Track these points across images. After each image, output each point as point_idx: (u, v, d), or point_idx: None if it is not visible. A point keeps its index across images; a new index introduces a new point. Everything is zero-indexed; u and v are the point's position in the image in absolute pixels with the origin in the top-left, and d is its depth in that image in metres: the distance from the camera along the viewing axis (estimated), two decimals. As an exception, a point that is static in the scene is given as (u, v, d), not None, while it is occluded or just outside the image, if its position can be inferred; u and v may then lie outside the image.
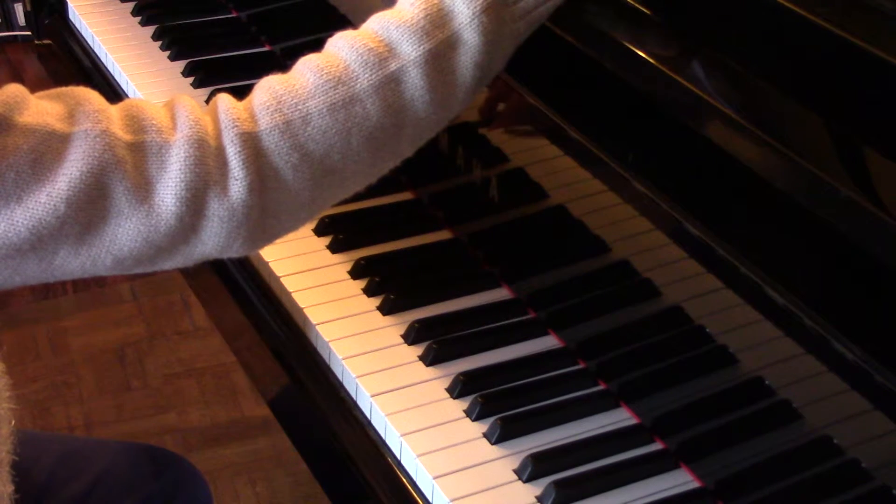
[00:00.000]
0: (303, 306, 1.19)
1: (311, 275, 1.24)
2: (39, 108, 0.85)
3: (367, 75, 0.92)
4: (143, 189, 0.86)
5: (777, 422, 0.95)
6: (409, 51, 0.93)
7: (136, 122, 0.87)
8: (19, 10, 3.40)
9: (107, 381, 2.42)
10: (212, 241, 0.90)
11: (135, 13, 1.71)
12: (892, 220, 0.79)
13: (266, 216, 0.91)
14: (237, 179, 0.88)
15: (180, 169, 0.86)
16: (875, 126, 0.86)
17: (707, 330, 1.00)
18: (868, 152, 0.86)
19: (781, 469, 0.96)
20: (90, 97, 0.88)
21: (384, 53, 0.92)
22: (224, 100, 0.92)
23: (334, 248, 1.27)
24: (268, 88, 0.92)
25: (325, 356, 1.16)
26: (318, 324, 1.17)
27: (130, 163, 0.86)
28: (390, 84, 0.92)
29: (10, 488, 1.10)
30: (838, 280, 0.87)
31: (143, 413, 2.36)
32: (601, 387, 1.11)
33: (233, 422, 2.34)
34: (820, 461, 0.92)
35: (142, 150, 0.86)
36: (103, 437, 2.13)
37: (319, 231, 1.29)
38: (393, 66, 0.92)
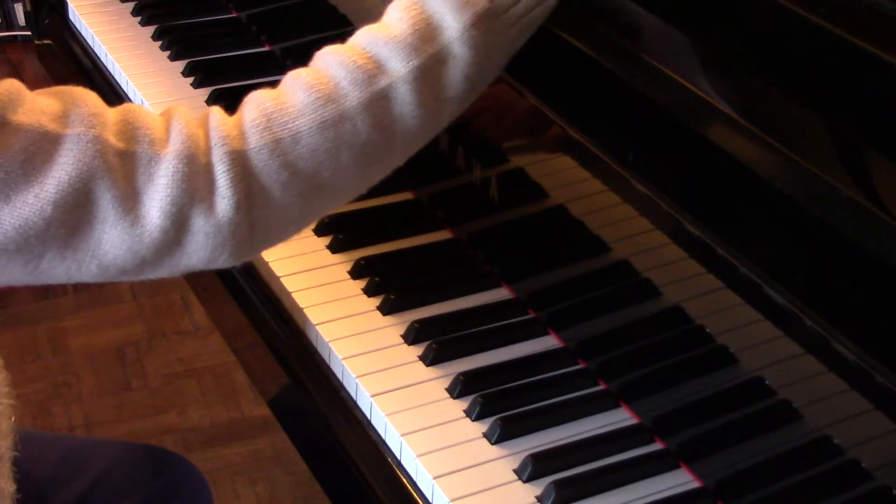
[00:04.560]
0: (303, 306, 1.19)
1: (311, 275, 1.24)
2: (34, 106, 0.85)
3: (356, 93, 0.91)
4: (130, 199, 0.85)
5: (777, 422, 0.95)
6: (398, 67, 0.92)
7: (130, 131, 0.87)
8: (19, 10, 3.40)
9: (107, 381, 2.42)
10: (197, 254, 0.89)
11: (135, 13, 1.71)
12: (892, 220, 0.79)
13: (254, 232, 0.91)
14: (224, 197, 0.88)
15: (167, 184, 0.86)
16: (875, 126, 0.86)
17: (707, 330, 1.00)
18: (868, 152, 0.86)
19: (781, 469, 0.96)
20: (87, 99, 0.88)
21: (373, 70, 0.92)
22: (215, 115, 0.91)
23: (334, 248, 1.27)
24: (257, 105, 0.91)
25: (325, 356, 1.16)
26: (318, 324, 1.17)
27: (120, 171, 0.85)
28: (380, 101, 0.92)
29: (12, 487, 1.10)
30: (838, 280, 0.87)
31: (143, 413, 2.36)
32: (601, 387, 1.11)
33: (233, 422, 2.34)
34: (820, 461, 0.92)
35: (132, 160, 0.86)
36: (103, 437, 2.13)
37: (319, 231, 1.29)
38: (382, 83, 0.92)
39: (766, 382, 0.95)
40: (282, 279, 1.23)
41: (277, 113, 0.90)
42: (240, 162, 0.88)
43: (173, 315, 2.59)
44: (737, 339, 0.98)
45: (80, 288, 2.64)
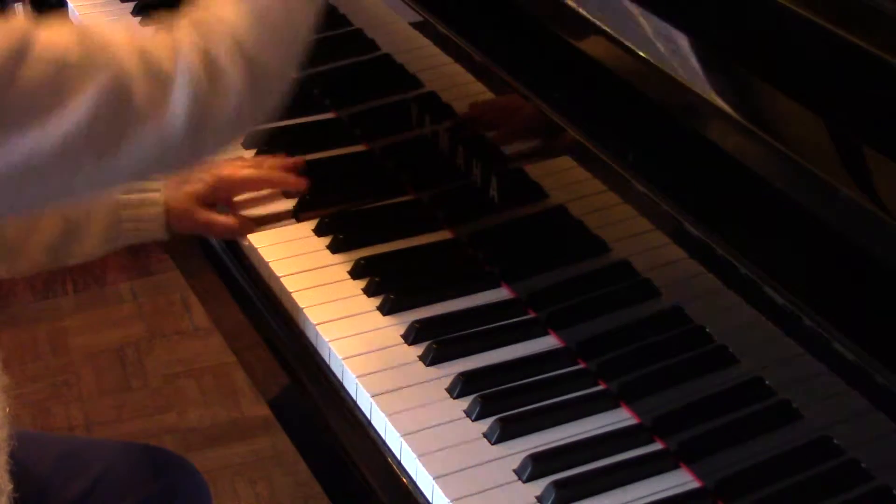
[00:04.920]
0: (303, 306, 1.19)
1: (311, 275, 1.24)
2: (51, 40, 0.88)
3: None
4: (156, 105, 0.90)
5: (777, 422, 0.95)
6: None
7: (145, 50, 0.91)
8: (19, 10, 3.41)
9: (107, 381, 2.42)
10: (217, 142, 0.95)
11: (135, 13, 1.71)
12: (891, 220, 0.79)
13: (259, 103, 0.96)
14: (232, 85, 0.92)
15: (183, 97, 0.90)
16: (875, 126, 0.86)
17: (707, 330, 1.00)
18: (868, 152, 0.86)
19: (781, 469, 0.96)
20: (99, 29, 0.92)
21: None
22: (181, 28, 0.95)
23: (334, 248, 1.27)
24: (198, 22, 0.95)
25: (325, 356, 1.16)
26: (318, 324, 1.17)
27: (143, 86, 0.89)
28: None
29: (9, 486, 1.11)
30: (838, 280, 0.87)
31: (143, 413, 2.36)
32: (601, 387, 1.11)
33: (233, 422, 2.34)
34: (820, 461, 0.92)
35: (153, 76, 0.90)
36: (103, 437, 2.14)
37: (319, 231, 1.29)
38: None
39: (766, 382, 0.95)
40: (282, 279, 1.23)
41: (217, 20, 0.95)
42: (234, 48, 0.93)
43: (173, 315, 2.59)
44: (737, 339, 0.98)
45: (80, 288, 2.64)
